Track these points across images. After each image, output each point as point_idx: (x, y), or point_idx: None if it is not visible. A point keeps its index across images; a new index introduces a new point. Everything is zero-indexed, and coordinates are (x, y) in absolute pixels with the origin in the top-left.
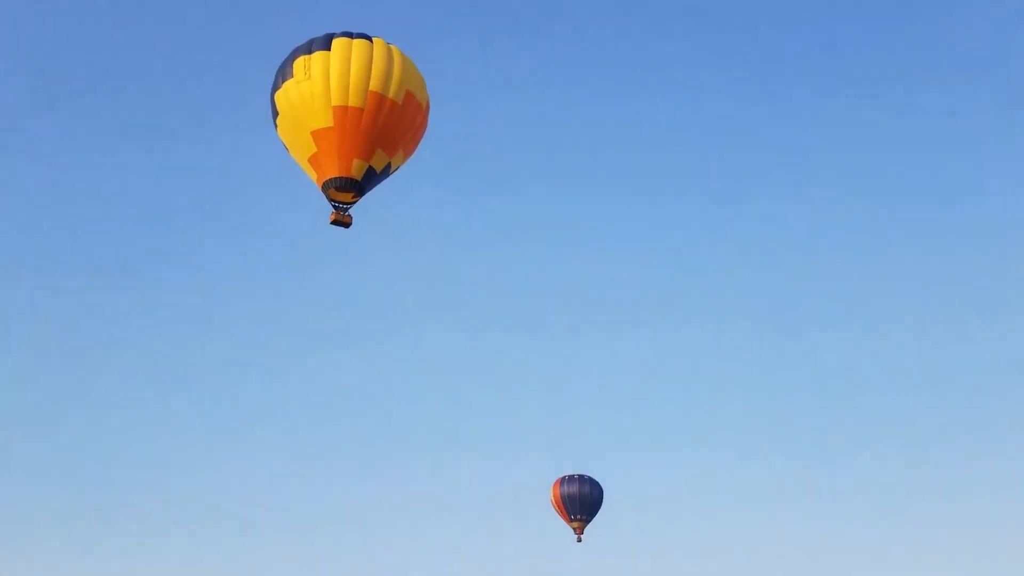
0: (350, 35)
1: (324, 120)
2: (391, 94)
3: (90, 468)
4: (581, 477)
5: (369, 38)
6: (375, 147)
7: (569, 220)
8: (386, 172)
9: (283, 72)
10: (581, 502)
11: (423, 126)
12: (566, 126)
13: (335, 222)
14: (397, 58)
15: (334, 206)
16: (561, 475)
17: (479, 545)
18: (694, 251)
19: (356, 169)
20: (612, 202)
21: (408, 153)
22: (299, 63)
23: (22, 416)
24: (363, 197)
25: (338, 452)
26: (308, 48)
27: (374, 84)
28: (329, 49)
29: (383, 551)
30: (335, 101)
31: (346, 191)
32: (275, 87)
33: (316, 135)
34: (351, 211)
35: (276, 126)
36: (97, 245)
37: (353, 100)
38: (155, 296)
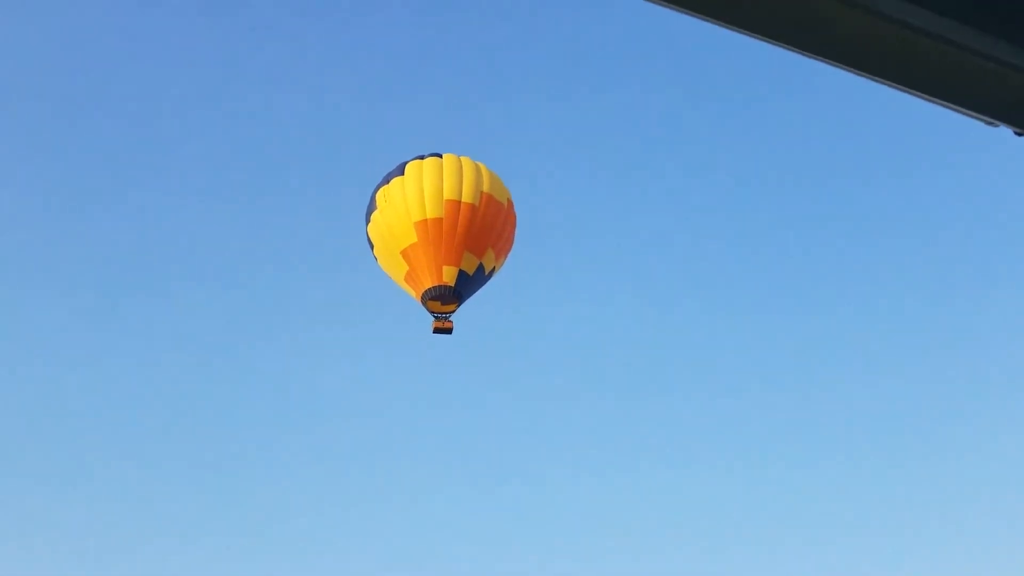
0: (421, 157)
1: (409, 238)
2: (467, 198)
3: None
4: None
5: (439, 155)
6: (462, 251)
7: None
8: (481, 274)
9: (369, 207)
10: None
11: (508, 223)
12: None
13: (437, 330)
14: (467, 166)
15: (436, 316)
16: None
17: None
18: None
19: (447, 275)
20: None
21: (500, 252)
22: (380, 194)
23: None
24: (464, 303)
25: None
26: (386, 179)
27: (448, 193)
28: (403, 174)
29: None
30: (415, 217)
31: (443, 300)
32: (367, 222)
33: (405, 254)
34: (452, 318)
35: (375, 258)
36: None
37: (431, 212)
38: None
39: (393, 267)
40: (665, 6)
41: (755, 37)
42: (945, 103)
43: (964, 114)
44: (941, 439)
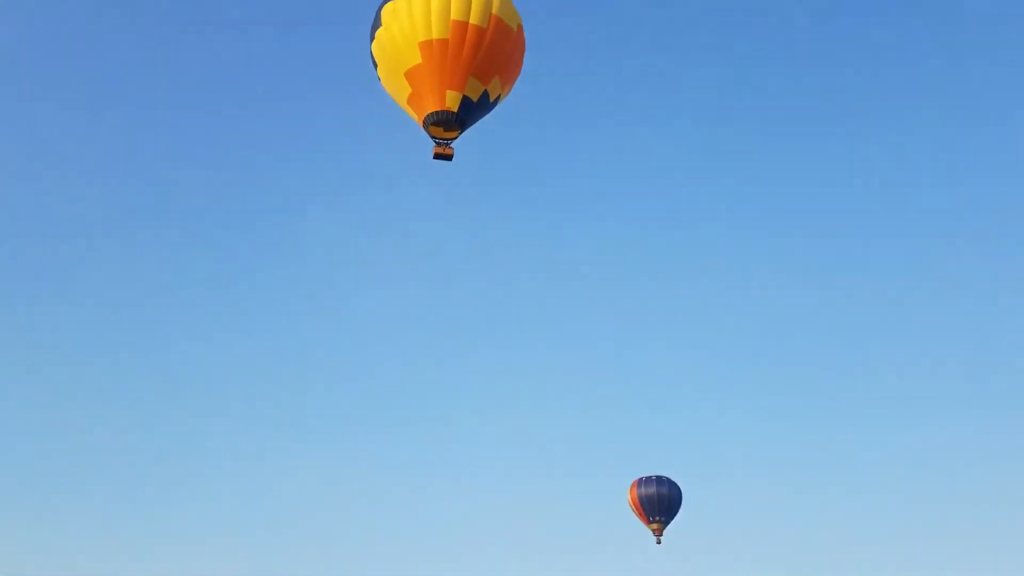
0: None
1: (414, 58)
2: (475, 20)
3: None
4: (659, 478)
5: None
6: (467, 76)
7: None
8: (485, 101)
9: (375, 23)
10: (659, 503)
11: (516, 50)
12: None
13: (437, 156)
14: None
15: (436, 142)
16: (638, 476)
17: (558, 550)
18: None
19: (451, 100)
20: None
21: (506, 80)
22: (386, 9)
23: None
24: (466, 130)
25: (406, 456)
26: None
27: (456, 13)
28: None
29: (462, 554)
30: (420, 37)
31: (446, 126)
32: (371, 39)
33: (409, 75)
34: (453, 144)
35: (378, 78)
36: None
37: (437, 33)
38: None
39: (396, 89)
40: None
41: None
42: None
43: None
44: None
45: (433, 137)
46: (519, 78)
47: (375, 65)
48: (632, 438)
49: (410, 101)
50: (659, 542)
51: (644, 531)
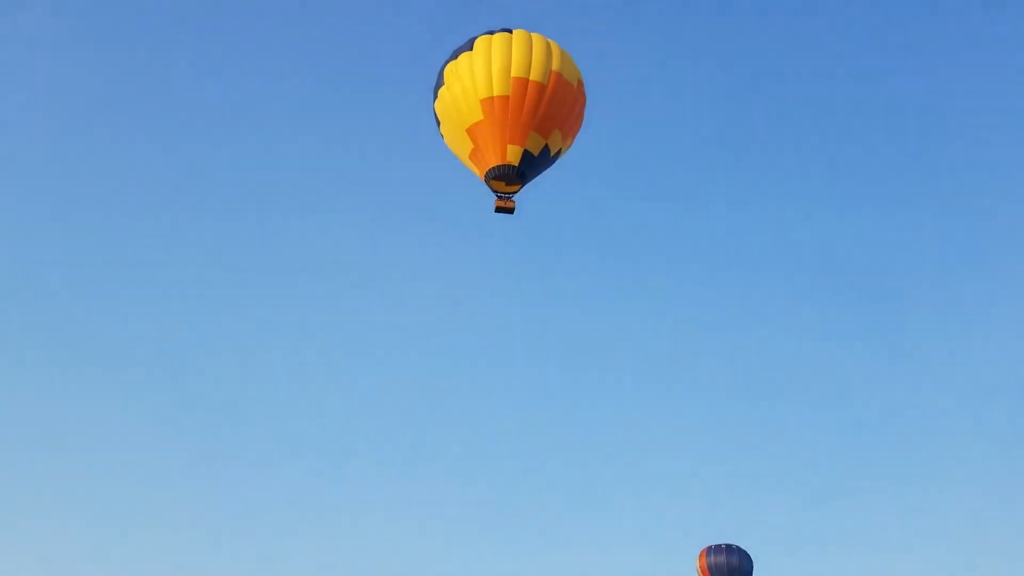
0: (491, 32)
1: (475, 115)
2: (535, 76)
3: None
4: (729, 547)
5: (509, 30)
6: (528, 130)
7: None
8: (546, 155)
9: (437, 82)
10: (730, 573)
11: (577, 105)
12: None
13: (499, 209)
14: (538, 42)
15: (498, 196)
16: (707, 545)
17: None
18: None
19: (511, 155)
20: None
21: (568, 133)
22: (449, 69)
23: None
24: (528, 183)
25: (466, 514)
26: (454, 54)
27: (516, 70)
28: (472, 50)
29: None
30: (481, 94)
31: (507, 180)
32: (434, 98)
33: (471, 131)
34: (515, 198)
35: (441, 135)
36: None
37: (498, 90)
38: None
39: (459, 146)
40: None
41: None
42: None
43: None
44: None
45: (495, 191)
46: (581, 131)
47: (438, 123)
48: (701, 504)
49: (472, 156)
50: None
51: None
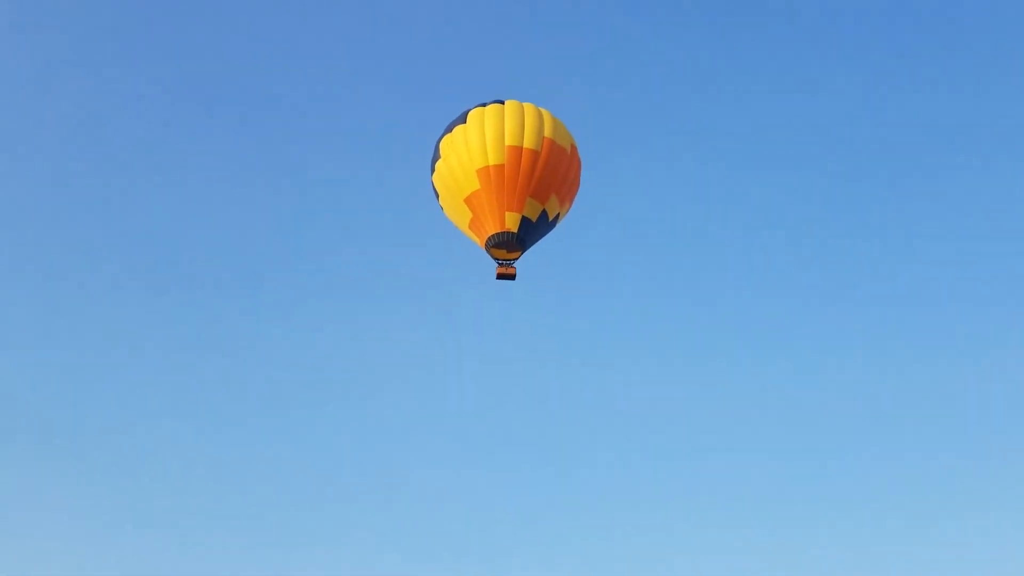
0: (483, 104)
1: (472, 185)
2: (528, 144)
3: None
4: None
5: (501, 101)
6: (524, 197)
7: None
8: (545, 221)
9: (434, 155)
10: None
11: (572, 169)
12: None
13: (500, 276)
14: (529, 112)
15: (499, 263)
16: None
17: None
18: None
19: (510, 221)
20: None
21: (564, 198)
22: (444, 142)
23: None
24: (528, 250)
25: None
26: (449, 128)
27: (509, 139)
28: (465, 122)
29: None
30: (477, 164)
31: (507, 247)
32: (431, 171)
33: (469, 201)
34: (515, 264)
35: (440, 207)
36: None
37: (493, 159)
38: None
39: (458, 216)
40: None
41: None
42: None
43: None
44: None
45: (495, 259)
46: (578, 195)
47: (437, 195)
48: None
49: (471, 226)
50: None
51: None
